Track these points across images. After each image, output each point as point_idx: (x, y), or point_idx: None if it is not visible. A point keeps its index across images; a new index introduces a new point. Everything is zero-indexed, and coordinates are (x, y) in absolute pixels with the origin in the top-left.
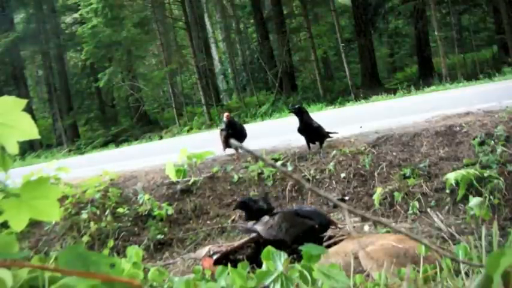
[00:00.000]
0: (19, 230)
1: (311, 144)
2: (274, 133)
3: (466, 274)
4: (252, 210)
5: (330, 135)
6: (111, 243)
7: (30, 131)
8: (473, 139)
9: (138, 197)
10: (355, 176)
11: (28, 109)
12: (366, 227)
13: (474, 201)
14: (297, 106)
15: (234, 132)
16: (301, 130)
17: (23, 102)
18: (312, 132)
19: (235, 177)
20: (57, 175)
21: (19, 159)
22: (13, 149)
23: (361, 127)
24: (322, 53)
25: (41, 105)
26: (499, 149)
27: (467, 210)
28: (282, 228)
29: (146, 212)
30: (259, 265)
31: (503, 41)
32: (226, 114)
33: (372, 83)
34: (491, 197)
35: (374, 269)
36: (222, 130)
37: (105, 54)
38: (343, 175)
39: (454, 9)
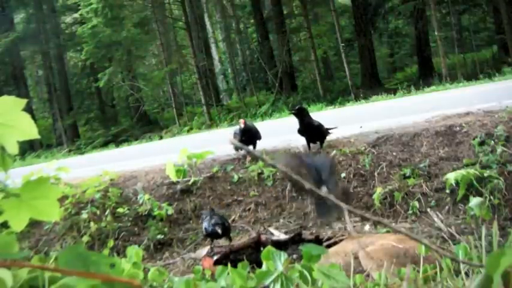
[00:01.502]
0: (19, 230)
1: (311, 144)
2: (274, 133)
3: (466, 274)
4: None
5: (330, 131)
6: (111, 243)
7: (30, 131)
8: (473, 139)
9: (138, 197)
10: (355, 176)
11: (28, 109)
12: (367, 227)
13: (474, 201)
14: (297, 107)
15: (248, 137)
16: (301, 131)
17: (23, 102)
18: (313, 131)
19: (235, 177)
20: (57, 175)
21: (19, 159)
22: (13, 149)
23: (361, 127)
24: (322, 53)
25: (41, 105)
26: (499, 149)
27: (467, 210)
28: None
29: (146, 212)
30: (259, 265)
31: (503, 41)
32: (241, 120)
33: (372, 83)
34: (491, 197)
35: (374, 269)
36: (235, 133)
37: (105, 54)
38: (343, 175)
39: (454, 9)
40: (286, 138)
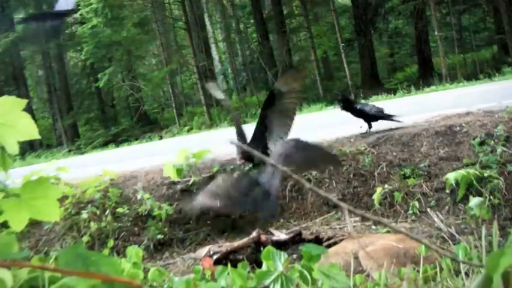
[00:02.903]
0: (19, 230)
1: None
2: None
3: (466, 274)
4: None
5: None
6: (111, 243)
7: (30, 131)
8: (473, 139)
9: (138, 197)
10: (355, 176)
11: (28, 109)
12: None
13: (474, 201)
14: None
15: None
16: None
17: (23, 102)
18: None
19: None
20: (57, 175)
21: (19, 159)
22: (13, 149)
23: (361, 127)
24: (322, 53)
25: (41, 105)
26: (499, 149)
27: (467, 210)
28: None
29: (146, 212)
30: (259, 265)
31: (503, 41)
32: None
33: (372, 83)
34: (491, 197)
35: (374, 269)
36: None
37: (105, 54)
38: (343, 175)
39: (454, 9)
40: None
